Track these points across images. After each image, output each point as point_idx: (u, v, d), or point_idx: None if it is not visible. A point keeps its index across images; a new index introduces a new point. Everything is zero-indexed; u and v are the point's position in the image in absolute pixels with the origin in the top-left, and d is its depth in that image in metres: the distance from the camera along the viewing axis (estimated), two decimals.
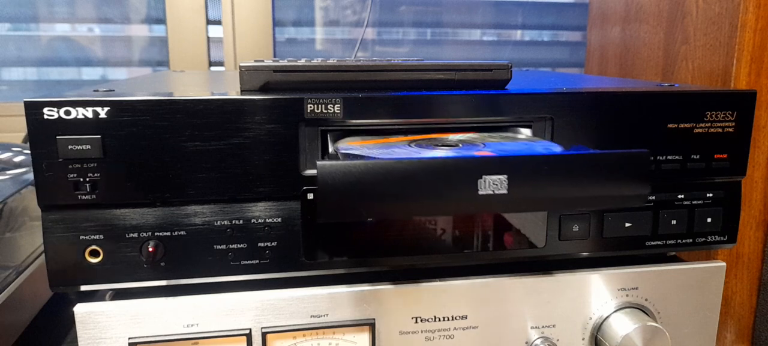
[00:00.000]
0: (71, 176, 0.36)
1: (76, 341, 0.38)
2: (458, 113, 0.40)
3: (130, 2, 0.91)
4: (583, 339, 0.44)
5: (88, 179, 0.36)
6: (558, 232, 0.43)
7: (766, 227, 0.59)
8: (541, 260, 0.44)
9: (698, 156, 0.44)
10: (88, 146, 0.35)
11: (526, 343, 0.43)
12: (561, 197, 0.33)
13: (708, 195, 0.45)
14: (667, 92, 0.43)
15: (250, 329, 0.39)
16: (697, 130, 0.43)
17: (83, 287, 0.38)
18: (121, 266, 0.38)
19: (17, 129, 0.86)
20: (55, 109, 0.35)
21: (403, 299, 0.41)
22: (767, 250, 0.59)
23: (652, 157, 0.43)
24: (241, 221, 0.39)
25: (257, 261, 0.39)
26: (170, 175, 0.37)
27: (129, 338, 0.38)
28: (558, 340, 0.44)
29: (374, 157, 0.32)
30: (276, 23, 0.95)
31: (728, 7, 0.57)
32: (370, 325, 0.41)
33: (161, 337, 0.38)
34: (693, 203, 0.45)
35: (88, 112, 0.35)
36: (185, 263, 0.38)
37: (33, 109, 0.34)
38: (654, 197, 0.44)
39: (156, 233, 0.38)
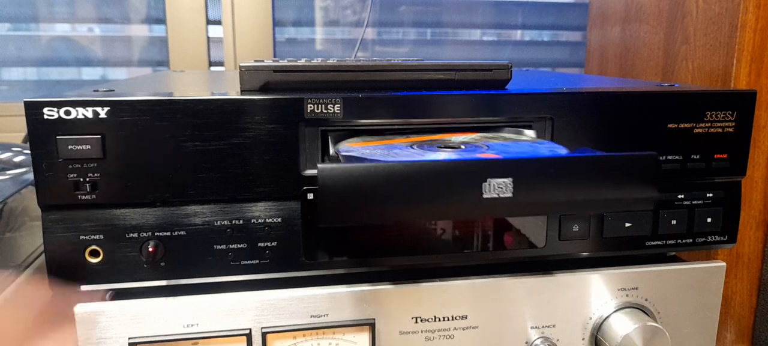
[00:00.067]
0: (71, 176, 0.36)
1: (77, 341, 0.38)
2: (458, 113, 0.40)
3: (130, 2, 0.91)
4: (583, 339, 0.44)
5: (88, 179, 0.36)
6: (558, 232, 0.43)
7: (766, 227, 0.59)
8: (541, 260, 0.44)
9: (698, 156, 0.44)
10: (88, 146, 0.35)
11: (526, 343, 0.43)
12: (567, 200, 0.32)
13: (708, 195, 0.45)
14: (667, 92, 0.43)
15: (250, 329, 0.39)
16: (697, 130, 0.43)
17: (83, 287, 0.38)
18: (121, 266, 0.38)
19: (17, 129, 0.86)
20: (55, 109, 0.35)
21: (403, 299, 0.41)
22: (767, 250, 0.59)
23: None
24: (241, 221, 0.39)
25: (257, 261, 0.39)
26: (170, 175, 0.37)
27: (129, 338, 0.38)
28: (558, 340, 0.44)
29: (376, 160, 0.32)
30: (276, 23, 0.95)
31: (728, 7, 0.57)
32: (370, 325, 0.41)
33: (161, 337, 0.38)
34: (693, 203, 0.45)
35: (88, 112, 0.35)
36: (185, 263, 0.38)
37: (33, 109, 0.34)
38: None
39: (156, 233, 0.38)
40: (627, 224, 0.44)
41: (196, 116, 0.36)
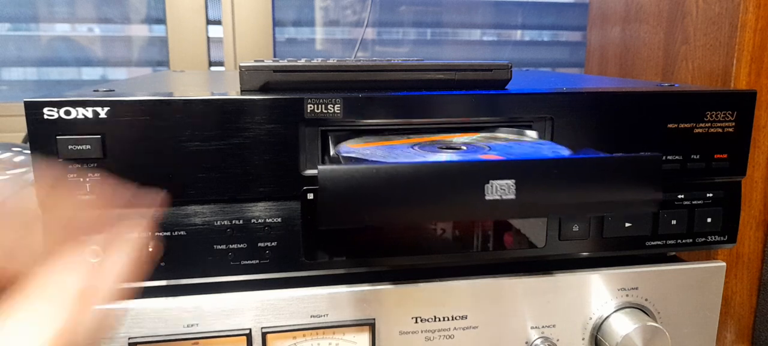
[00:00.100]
0: (71, 176, 0.36)
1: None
2: (458, 113, 0.40)
3: (130, 2, 0.91)
4: (583, 339, 0.44)
5: (88, 179, 0.36)
6: (558, 232, 0.43)
7: (766, 227, 0.59)
8: (541, 260, 0.44)
9: (698, 156, 0.44)
10: (88, 146, 0.35)
11: (526, 343, 0.43)
12: (570, 202, 0.32)
13: (708, 195, 0.45)
14: (667, 92, 0.43)
15: (250, 329, 0.39)
16: (697, 131, 0.43)
17: None
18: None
19: (17, 129, 0.86)
20: (55, 109, 0.35)
21: (403, 299, 0.41)
22: (767, 250, 0.59)
23: None
24: (241, 221, 0.39)
25: (257, 261, 0.39)
26: (170, 175, 0.37)
27: (129, 338, 0.38)
28: (558, 340, 0.44)
29: (377, 161, 0.32)
30: (276, 23, 0.95)
31: (728, 7, 0.57)
32: (370, 325, 0.41)
33: (161, 337, 0.38)
34: (693, 203, 0.45)
35: (88, 112, 0.35)
36: (185, 263, 0.38)
37: (33, 109, 0.34)
38: None
39: (156, 233, 0.38)
40: (627, 224, 0.44)
41: (196, 116, 0.36)
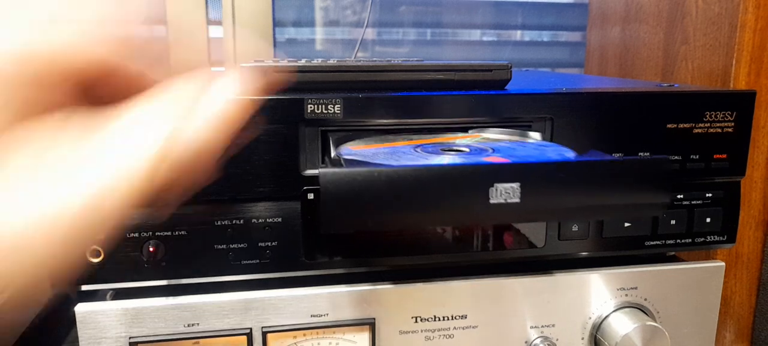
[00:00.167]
0: None
1: (77, 341, 0.38)
2: (458, 113, 0.40)
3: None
4: (583, 339, 0.44)
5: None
6: (557, 231, 0.43)
7: (765, 226, 0.59)
8: (541, 259, 0.44)
9: (698, 156, 0.44)
10: None
11: (526, 342, 0.43)
12: (576, 206, 0.31)
13: (707, 195, 0.45)
14: (666, 92, 0.43)
15: (251, 329, 0.39)
16: (696, 131, 0.43)
17: (84, 287, 0.38)
18: (121, 265, 0.38)
19: None
20: None
21: (403, 299, 0.41)
22: (766, 250, 0.59)
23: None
24: (241, 221, 0.39)
25: (257, 261, 0.39)
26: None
27: (129, 338, 0.38)
28: (557, 339, 0.44)
29: (379, 164, 0.32)
30: (276, 23, 0.95)
31: (728, 7, 0.57)
32: (370, 325, 0.41)
33: (162, 336, 0.38)
34: (692, 203, 0.45)
35: None
36: (186, 262, 0.39)
37: None
38: None
39: (157, 233, 0.38)
40: (626, 224, 0.44)
41: None
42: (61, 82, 0.20)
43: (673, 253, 0.48)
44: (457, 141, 0.40)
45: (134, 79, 0.22)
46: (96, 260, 0.37)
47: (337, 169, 0.28)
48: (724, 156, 0.44)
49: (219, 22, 0.92)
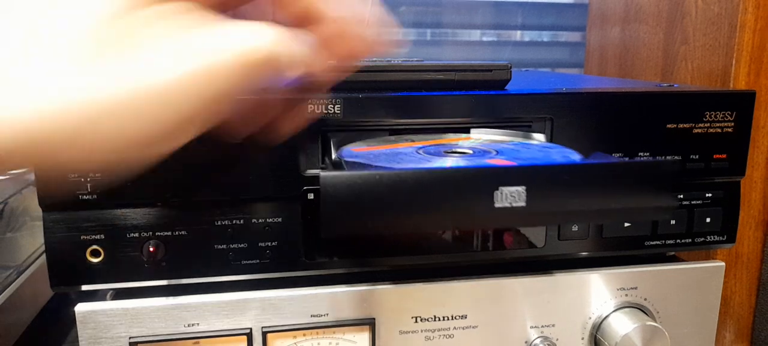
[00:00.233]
0: (72, 175, 0.36)
1: (77, 341, 0.38)
2: (458, 114, 0.40)
3: None
4: (583, 339, 0.44)
5: (88, 179, 0.36)
6: (557, 232, 0.43)
7: (765, 226, 0.59)
8: (541, 259, 0.44)
9: (697, 156, 0.44)
10: None
11: (526, 342, 0.43)
12: (583, 210, 0.30)
13: (707, 195, 0.45)
14: (666, 93, 0.43)
15: (251, 329, 0.39)
16: (696, 131, 0.43)
17: (84, 287, 0.38)
18: (121, 265, 0.38)
19: None
20: None
21: (403, 299, 0.41)
22: (766, 250, 0.59)
23: (651, 158, 0.43)
24: (241, 221, 0.39)
25: (257, 261, 0.39)
26: (170, 174, 0.37)
27: (130, 338, 0.38)
28: (557, 339, 0.44)
29: (381, 167, 0.31)
30: None
31: (728, 7, 0.57)
32: (370, 324, 0.41)
33: (162, 336, 0.38)
34: (692, 203, 0.45)
35: None
36: (186, 262, 0.39)
37: None
38: None
39: (157, 233, 0.38)
40: (626, 224, 0.44)
41: None
42: None
43: (673, 253, 0.48)
44: (460, 143, 0.40)
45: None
46: (96, 260, 0.37)
47: (337, 173, 0.27)
48: (724, 156, 0.44)
49: None
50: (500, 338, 0.43)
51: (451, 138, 0.41)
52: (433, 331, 0.42)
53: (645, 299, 0.45)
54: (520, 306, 0.43)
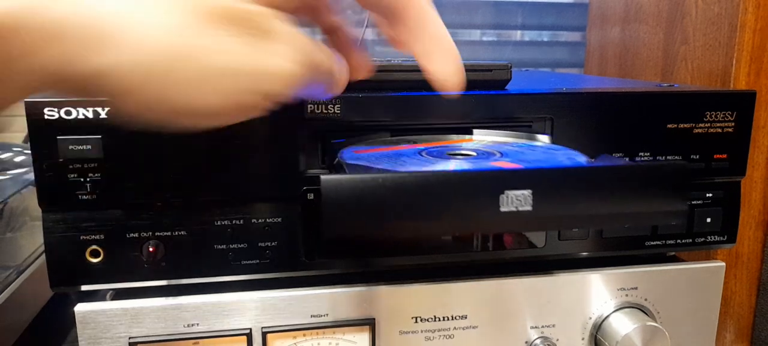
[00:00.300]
0: (72, 176, 0.36)
1: (77, 341, 0.38)
2: (458, 114, 0.40)
3: None
4: (583, 339, 0.44)
5: (88, 179, 0.36)
6: (558, 232, 0.43)
7: (765, 227, 0.59)
8: (541, 260, 0.44)
9: (698, 156, 0.44)
10: (89, 146, 0.35)
11: (526, 343, 0.43)
12: (590, 214, 0.29)
13: (707, 195, 0.45)
14: (666, 92, 0.43)
15: (251, 329, 0.39)
16: (696, 131, 0.43)
17: (84, 287, 0.38)
18: (121, 266, 0.38)
19: (17, 129, 0.86)
20: (56, 109, 0.35)
21: (403, 299, 0.41)
22: (767, 250, 0.59)
23: (652, 158, 0.43)
24: (241, 221, 0.39)
25: (257, 261, 0.39)
26: (170, 175, 0.37)
27: (129, 338, 0.38)
28: (557, 340, 0.44)
29: (383, 169, 0.31)
30: None
31: (728, 7, 0.57)
32: (370, 325, 0.41)
33: (162, 337, 0.38)
34: (692, 203, 0.45)
35: (89, 113, 0.35)
36: (186, 262, 0.39)
37: (34, 109, 0.34)
38: None
39: (156, 233, 0.38)
40: (626, 224, 0.44)
41: None
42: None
43: (673, 253, 0.48)
44: (463, 145, 0.39)
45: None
46: (96, 260, 0.37)
47: (338, 176, 0.27)
48: (724, 156, 0.44)
49: None
50: (500, 338, 0.43)
51: (453, 139, 0.41)
52: (433, 331, 0.42)
53: (645, 299, 0.45)
54: (520, 306, 0.43)
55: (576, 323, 0.44)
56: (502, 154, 0.36)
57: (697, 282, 0.46)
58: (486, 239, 0.42)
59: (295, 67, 0.26)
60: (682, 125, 0.43)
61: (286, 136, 0.38)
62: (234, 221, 0.39)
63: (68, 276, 0.37)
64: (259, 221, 0.39)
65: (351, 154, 0.36)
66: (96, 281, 0.38)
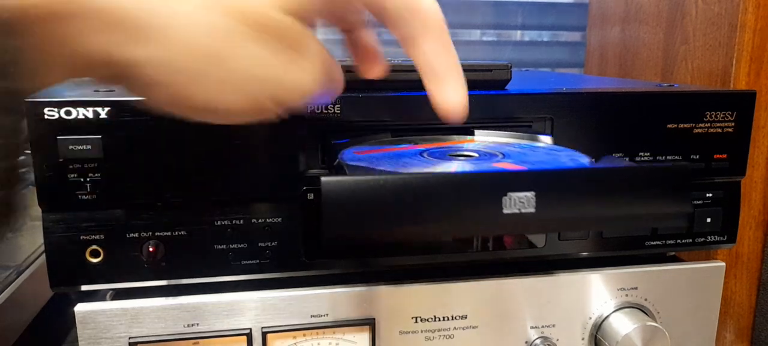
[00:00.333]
0: (72, 176, 0.36)
1: (77, 341, 0.38)
2: None
3: None
4: (583, 339, 0.44)
5: (88, 179, 0.36)
6: (558, 232, 0.43)
7: (765, 227, 0.59)
8: (541, 260, 0.44)
9: (698, 156, 0.44)
10: (89, 147, 0.35)
11: (526, 343, 0.43)
12: (594, 216, 0.29)
13: (707, 195, 0.45)
14: (666, 92, 0.43)
15: (251, 329, 0.39)
16: (696, 131, 0.43)
17: (84, 287, 0.38)
18: (121, 266, 0.38)
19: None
20: (56, 110, 0.35)
21: (403, 299, 0.41)
22: (767, 250, 0.59)
23: (651, 158, 0.43)
24: (241, 221, 0.39)
25: (257, 261, 0.39)
26: (170, 175, 0.37)
27: (129, 338, 0.38)
28: (558, 340, 0.44)
29: (384, 171, 0.31)
30: None
31: (728, 7, 0.57)
32: (370, 325, 0.41)
33: (162, 337, 0.38)
34: (692, 203, 0.45)
35: (89, 113, 0.35)
36: (186, 262, 0.39)
37: (34, 109, 0.34)
38: None
39: (156, 233, 0.38)
40: (631, 227, 0.44)
41: None
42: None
43: (673, 253, 0.48)
44: (465, 145, 0.39)
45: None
46: (96, 260, 0.37)
47: (339, 177, 0.27)
48: (724, 156, 0.44)
49: None
50: (500, 338, 0.43)
51: (455, 140, 0.41)
52: (433, 331, 0.42)
53: (645, 299, 0.45)
54: (520, 306, 0.43)
55: (576, 323, 0.44)
56: (504, 155, 0.36)
57: (697, 282, 0.46)
58: (486, 239, 0.42)
59: (315, 84, 0.28)
60: (682, 125, 0.43)
61: (287, 136, 0.38)
62: (234, 221, 0.39)
63: (68, 276, 0.37)
64: (259, 221, 0.39)
65: (351, 155, 0.35)
66: (96, 281, 0.38)
